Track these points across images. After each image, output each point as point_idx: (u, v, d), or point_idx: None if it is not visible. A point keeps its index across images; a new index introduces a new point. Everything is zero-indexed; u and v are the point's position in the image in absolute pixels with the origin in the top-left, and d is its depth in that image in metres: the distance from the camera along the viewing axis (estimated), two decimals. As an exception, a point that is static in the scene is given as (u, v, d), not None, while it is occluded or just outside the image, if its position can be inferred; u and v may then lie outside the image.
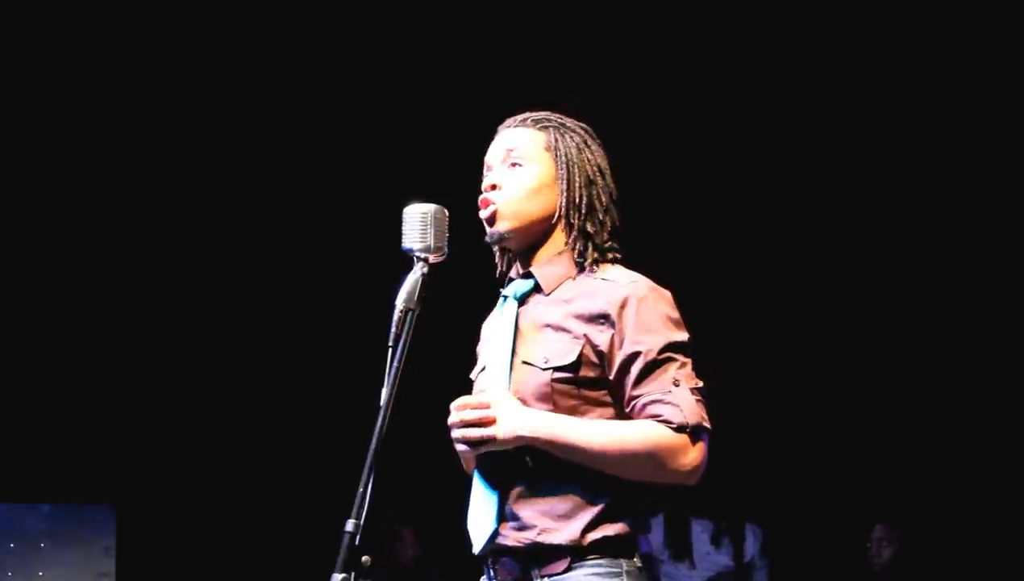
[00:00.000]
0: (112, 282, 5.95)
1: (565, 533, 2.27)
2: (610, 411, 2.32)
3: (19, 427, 5.68)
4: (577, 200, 2.43)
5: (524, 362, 2.36)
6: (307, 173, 6.10)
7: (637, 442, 2.25)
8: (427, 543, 6.10)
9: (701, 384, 2.32)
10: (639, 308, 2.31)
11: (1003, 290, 6.07)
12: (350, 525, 2.09)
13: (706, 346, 2.43)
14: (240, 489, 6.04)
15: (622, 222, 2.48)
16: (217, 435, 6.03)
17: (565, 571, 2.26)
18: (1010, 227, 6.05)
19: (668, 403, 2.26)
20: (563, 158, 2.45)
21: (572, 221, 2.42)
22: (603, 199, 2.45)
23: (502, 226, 2.43)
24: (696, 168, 6.15)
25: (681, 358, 2.31)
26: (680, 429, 2.25)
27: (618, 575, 2.26)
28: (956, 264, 6.08)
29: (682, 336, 2.34)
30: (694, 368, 2.33)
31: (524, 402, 2.32)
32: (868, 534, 5.76)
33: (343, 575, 2.05)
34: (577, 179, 2.43)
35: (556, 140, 2.47)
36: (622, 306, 2.32)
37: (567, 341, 2.33)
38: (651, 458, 2.25)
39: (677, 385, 2.28)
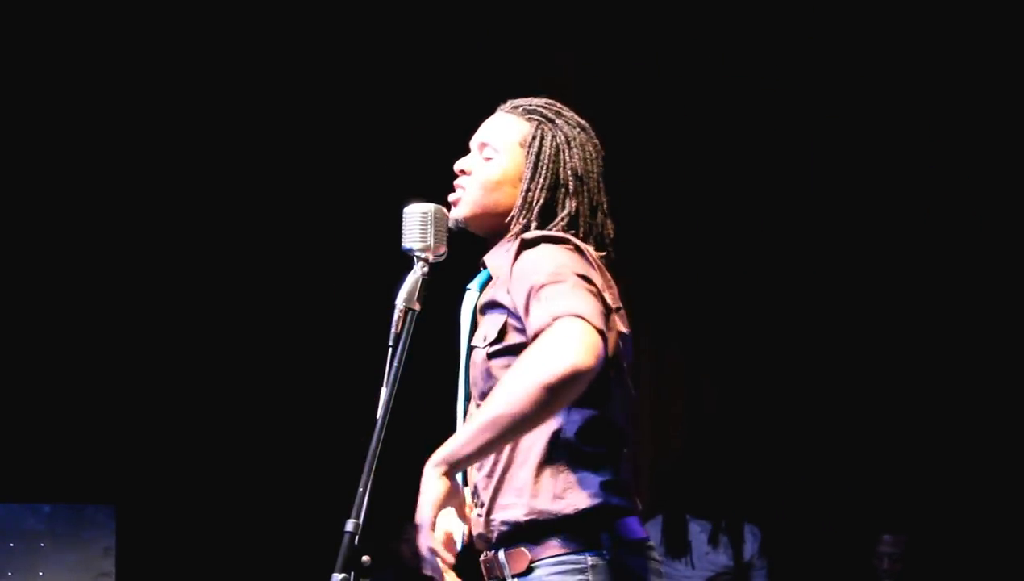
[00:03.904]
0: (111, 282, 5.94)
1: (524, 508, 2.19)
2: None
3: (19, 427, 5.68)
4: (533, 201, 2.37)
5: (472, 346, 2.33)
6: (307, 173, 6.10)
7: (516, 385, 2.03)
8: None
9: (583, 286, 2.12)
10: (515, 266, 2.23)
11: (1009, 296, 6.06)
12: (350, 525, 2.09)
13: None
14: (240, 489, 6.04)
15: (607, 227, 2.40)
16: (217, 436, 6.03)
17: (526, 572, 2.18)
18: (1013, 234, 6.04)
19: (530, 322, 2.12)
20: (533, 157, 2.38)
21: (522, 221, 2.36)
22: (569, 204, 2.36)
23: (459, 213, 2.43)
24: (698, 171, 6.15)
25: (555, 281, 2.13)
26: (537, 336, 2.07)
27: (582, 571, 2.16)
28: (961, 270, 6.08)
29: (555, 270, 2.16)
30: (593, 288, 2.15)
31: (476, 385, 2.29)
32: (873, 545, 5.71)
33: (343, 575, 2.05)
34: (541, 181, 2.37)
35: (537, 136, 2.40)
36: (512, 266, 2.24)
37: (496, 314, 2.29)
38: (537, 386, 2.01)
39: (537, 298, 2.12)
